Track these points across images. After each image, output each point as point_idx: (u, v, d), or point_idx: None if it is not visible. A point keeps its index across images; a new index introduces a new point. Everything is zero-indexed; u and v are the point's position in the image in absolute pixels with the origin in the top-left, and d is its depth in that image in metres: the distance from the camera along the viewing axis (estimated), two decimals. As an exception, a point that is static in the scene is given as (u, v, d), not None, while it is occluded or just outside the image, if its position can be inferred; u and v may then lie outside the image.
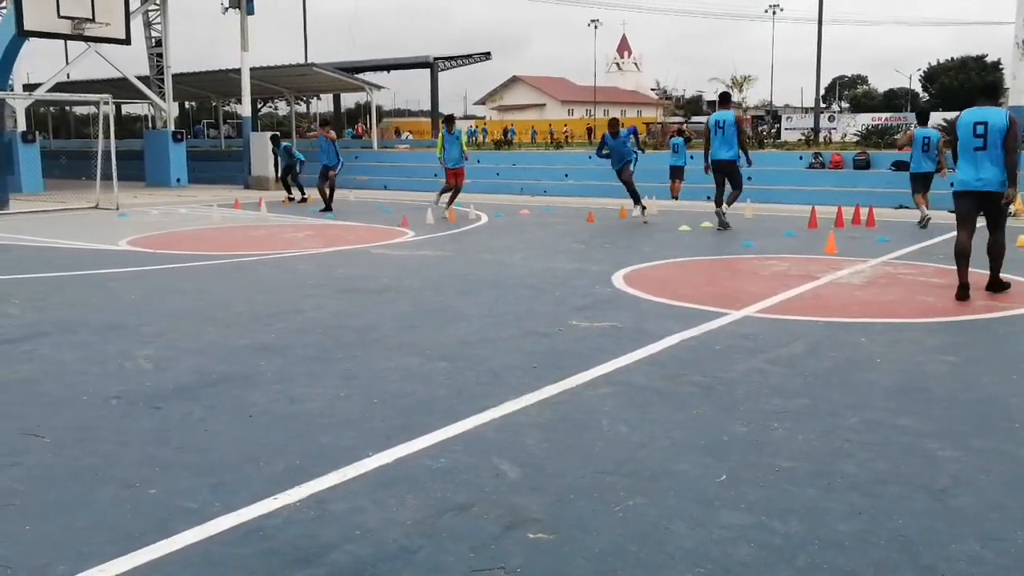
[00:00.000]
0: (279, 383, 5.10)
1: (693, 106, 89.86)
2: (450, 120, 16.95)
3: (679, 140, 19.69)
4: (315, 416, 4.51)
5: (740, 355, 5.72)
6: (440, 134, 16.72)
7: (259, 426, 4.37)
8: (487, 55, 40.39)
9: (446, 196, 16.40)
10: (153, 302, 7.71)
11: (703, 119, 58.33)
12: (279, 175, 21.58)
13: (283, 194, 20.88)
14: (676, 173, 19.39)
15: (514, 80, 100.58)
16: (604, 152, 15.93)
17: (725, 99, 14.64)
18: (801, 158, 21.45)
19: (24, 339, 6.21)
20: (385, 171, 25.74)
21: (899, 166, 18.19)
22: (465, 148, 16.68)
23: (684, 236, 12.80)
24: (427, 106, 44.55)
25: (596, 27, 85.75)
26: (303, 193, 20.29)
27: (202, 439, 4.19)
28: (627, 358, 5.64)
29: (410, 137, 46.35)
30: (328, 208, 16.96)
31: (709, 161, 13.41)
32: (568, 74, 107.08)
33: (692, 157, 18.53)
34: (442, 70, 39.44)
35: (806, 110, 69.07)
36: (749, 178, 19.19)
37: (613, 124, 15.96)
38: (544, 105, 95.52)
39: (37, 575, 2.87)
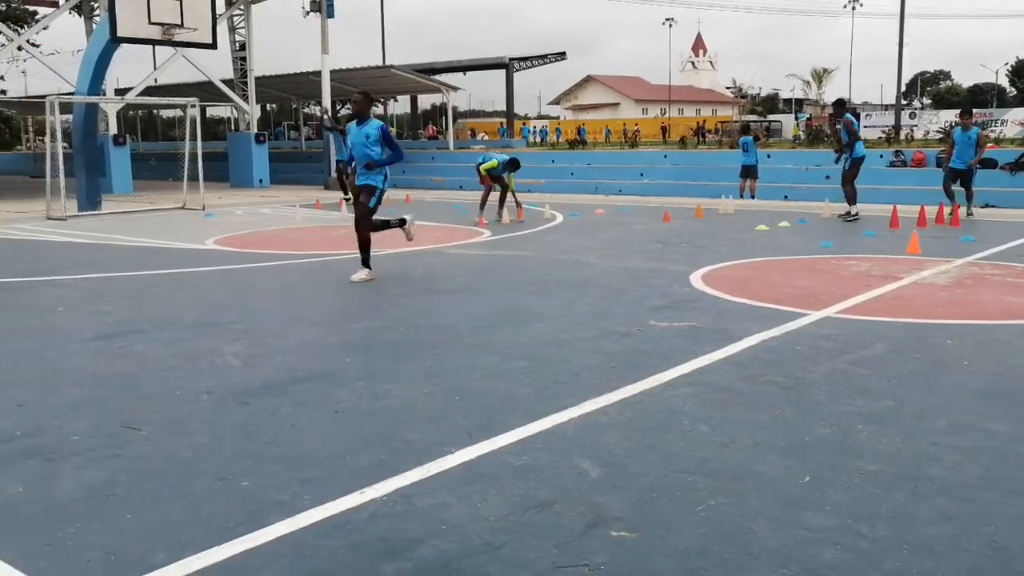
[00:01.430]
0: (363, 380, 5.22)
1: (769, 104, 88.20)
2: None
3: (748, 139, 19.44)
4: (399, 412, 4.61)
5: (822, 356, 5.63)
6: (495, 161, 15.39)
7: (345, 422, 4.49)
8: (562, 55, 40.27)
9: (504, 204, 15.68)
10: (240, 300, 7.96)
11: (779, 117, 57.24)
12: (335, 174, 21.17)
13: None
14: (748, 172, 19.16)
15: (588, 80, 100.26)
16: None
17: (840, 104, 15.07)
18: (882, 156, 20.91)
19: (119, 335, 6.49)
20: (460, 172, 25.95)
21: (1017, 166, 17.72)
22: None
23: (761, 236, 12.62)
24: (501, 106, 44.71)
25: (671, 25, 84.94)
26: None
27: (290, 434, 4.32)
28: (707, 358, 5.61)
29: (486, 138, 46.63)
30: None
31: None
32: (642, 73, 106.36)
33: (769, 156, 18.23)
34: (517, 71, 39.46)
35: (886, 107, 67.15)
36: (827, 176, 18.91)
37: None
38: (618, 104, 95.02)
39: (139, 562, 3.00)
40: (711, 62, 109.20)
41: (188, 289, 8.69)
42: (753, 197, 18.96)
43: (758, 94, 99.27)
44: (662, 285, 8.42)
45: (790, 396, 4.80)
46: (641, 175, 23.61)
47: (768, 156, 18.89)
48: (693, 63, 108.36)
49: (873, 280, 8.47)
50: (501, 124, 48.23)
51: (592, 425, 4.37)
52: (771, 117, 56.43)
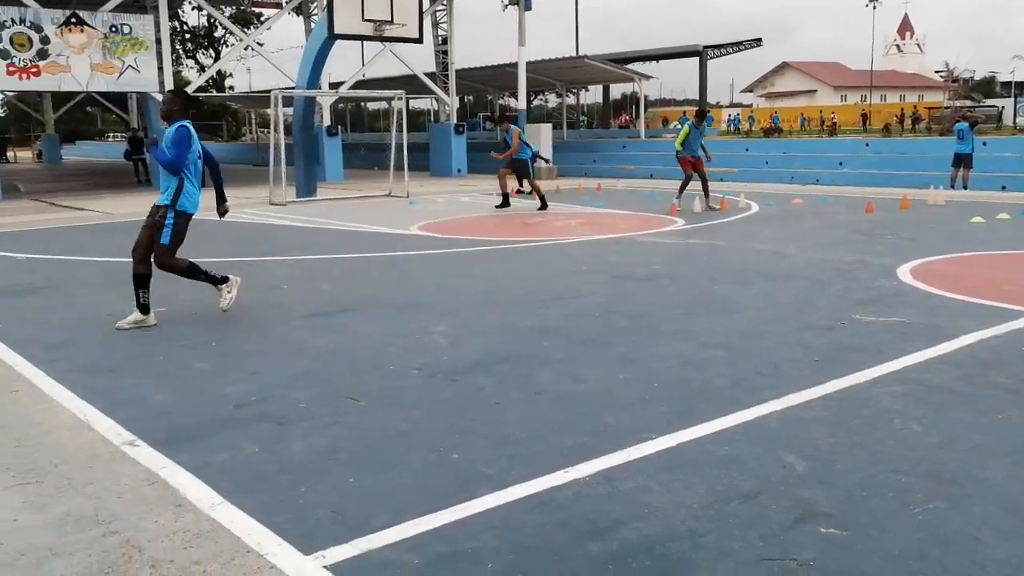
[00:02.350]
0: (562, 363, 5.34)
1: (984, 88, 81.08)
2: (701, 115, 15.87)
3: (964, 126, 18.01)
4: (597, 397, 4.69)
5: (1054, 359, 5.20)
6: (686, 127, 15.45)
7: (545, 403, 4.62)
8: (758, 41, 38.96)
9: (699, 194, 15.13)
10: (443, 283, 8.32)
11: (997, 102, 52.50)
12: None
13: (555, 183, 21.47)
14: (962, 161, 17.78)
15: (784, 66, 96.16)
16: None
17: None
18: None
19: (336, 313, 6.96)
20: (651, 160, 25.74)
21: None
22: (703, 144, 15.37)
23: (977, 229, 11.72)
24: (692, 95, 43.91)
25: (875, 7, 79.82)
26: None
27: (494, 412, 4.49)
28: (918, 356, 5.32)
29: (678, 126, 45.94)
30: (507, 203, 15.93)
31: None
32: (841, 58, 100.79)
33: (985, 144, 16.84)
34: (711, 59, 38.58)
35: None
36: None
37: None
38: (815, 91, 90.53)
39: (362, 524, 3.23)
40: (918, 45, 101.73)
41: (395, 271, 9.18)
42: (966, 187, 17.62)
43: (971, 78, 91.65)
44: (867, 278, 8.03)
45: (1016, 399, 4.48)
46: (840, 164, 22.49)
47: (984, 144, 17.44)
48: (898, 46, 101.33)
49: (1115, 278, 7.70)
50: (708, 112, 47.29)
51: (795, 419, 4.27)
52: (988, 102, 51.92)
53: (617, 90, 59.47)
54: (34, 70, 19.06)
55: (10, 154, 48.26)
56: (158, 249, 6.59)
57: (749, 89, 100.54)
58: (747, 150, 26.18)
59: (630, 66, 34.24)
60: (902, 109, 52.43)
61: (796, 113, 60.24)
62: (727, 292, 7.55)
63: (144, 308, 6.51)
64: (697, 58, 38.35)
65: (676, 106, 77.09)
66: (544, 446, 3.98)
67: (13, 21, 18.70)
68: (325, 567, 2.90)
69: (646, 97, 39.22)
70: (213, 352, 5.79)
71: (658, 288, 7.81)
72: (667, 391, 4.76)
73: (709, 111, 15.41)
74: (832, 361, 5.26)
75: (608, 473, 3.64)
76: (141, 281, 6.51)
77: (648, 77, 32.49)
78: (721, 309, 6.86)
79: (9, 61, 18.75)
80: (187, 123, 6.57)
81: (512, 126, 16.33)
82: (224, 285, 6.90)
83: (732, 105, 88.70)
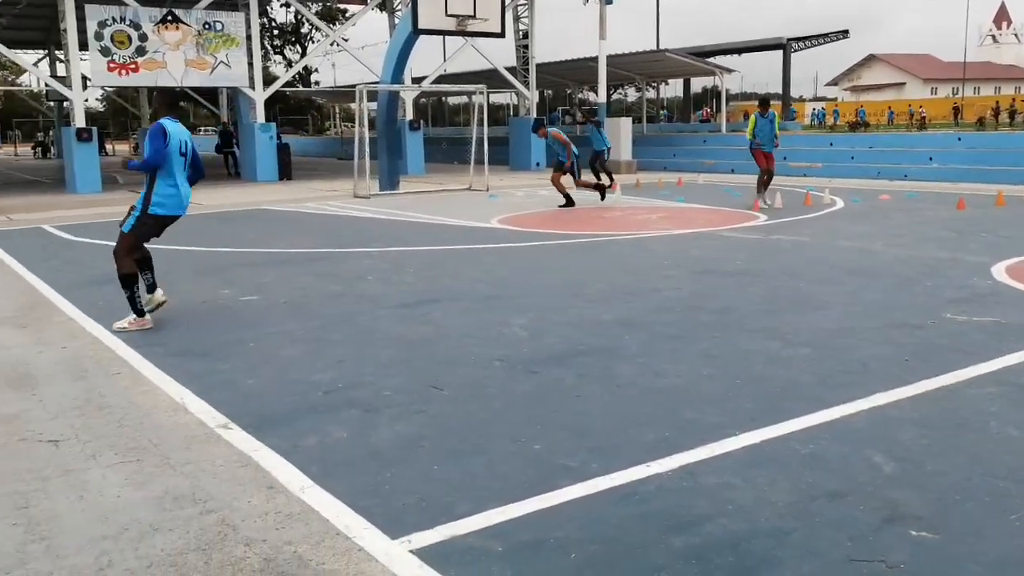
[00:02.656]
0: (643, 357, 5.33)
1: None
2: (764, 103, 15.21)
3: None
4: (680, 391, 4.67)
5: None
6: (752, 116, 15.18)
7: (627, 396, 4.62)
8: (844, 33, 37.85)
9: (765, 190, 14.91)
10: (523, 276, 8.36)
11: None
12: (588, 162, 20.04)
13: (634, 177, 21.30)
14: None
15: (870, 59, 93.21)
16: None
17: None
18: None
19: (420, 304, 7.07)
20: (732, 155, 25.31)
21: None
22: (778, 132, 14.80)
23: (1085, 226, 11.22)
24: (775, 88, 42.89)
25: (969, -4, 76.66)
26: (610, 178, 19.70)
27: (575, 404, 4.51)
28: (1015, 357, 5.15)
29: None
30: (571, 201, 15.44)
31: None
32: (932, 50, 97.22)
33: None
34: (795, 51, 37.68)
35: None
36: None
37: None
38: (903, 84, 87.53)
39: (447, 510, 3.29)
40: (1016, 35, 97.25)
41: (476, 264, 9.27)
42: None
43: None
44: (959, 276, 7.77)
45: (1122, 405, 4.29)
46: (930, 159, 21.72)
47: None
48: (994, 37, 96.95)
49: None
50: (790, 106, 46.31)
51: (884, 419, 4.17)
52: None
53: (698, 84, 58.68)
54: (132, 66, 19.83)
55: (108, 147, 50.22)
56: (120, 236, 6.35)
57: (834, 82, 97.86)
58: (831, 145, 25.50)
59: (712, 59, 33.74)
60: (997, 102, 50.32)
61: (883, 107, 58.43)
62: (812, 289, 7.41)
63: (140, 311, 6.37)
64: (781, 51, 37.54)
65: (758, 100, 75.68)
66: (625, 439, 3.98)
67: (114, 19, 19.48)
68: (411, 551, 2.97)
69: (728, 91, 38.47)
70: (301, 340, 5.95)
71: (741, 284, 7.70)
72: (751, 387, 4.71)
73: (770, 102, 15.00)
74: (922, 361, 5.12)
75: (690, 468, 3.62)
76: (130, 280, 6.31)
77: (730, 71, 31.93)
78: (806, 306, 6.74)
79: (110, 58, 19.55)
80: (166, 120, 6.29)
81: (550, 128, 16.32)
82: (131, 317, 6.38)
83: (816, 99, 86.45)
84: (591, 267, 8.90)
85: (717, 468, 3.61)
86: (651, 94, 46.16)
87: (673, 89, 54.97)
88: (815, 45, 38.68)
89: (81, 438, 4.15)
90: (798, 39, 37.65)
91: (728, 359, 5.27)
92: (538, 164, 26.09)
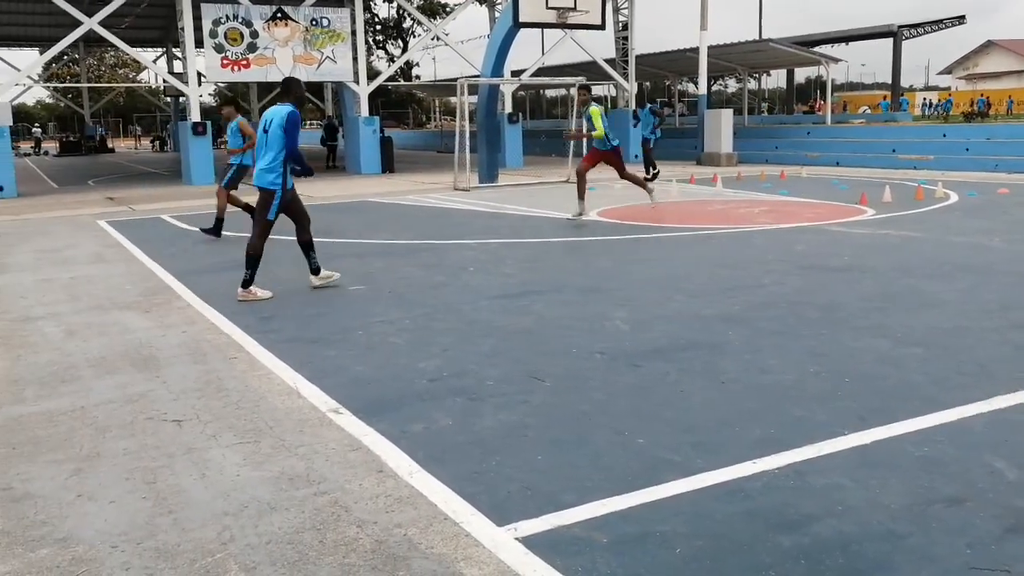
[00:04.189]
0: (747, 353, 5.26)
1: None
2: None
3: None
4: (786, 389, 4.59)
5: None
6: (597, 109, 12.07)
7: (731, 392, 4.57)
8: (960, 19, 36.14)
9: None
10: (623, 269, 8.34)
11: None
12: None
13: (735, 170, 20.95)
14: None
15: (988, 45, 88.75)
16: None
17: None
18: None
19: (521, 295, 7.13)
20: (837, 147, 24.56)
21: None
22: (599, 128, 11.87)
23: None
24: (882, 78, 41.38)
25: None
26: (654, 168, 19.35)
27: (679, 399, 4.49)
28: None
29: (867, 111, 43.59)
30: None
31: None
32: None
33: None
34: (906, 39, 36.24)
35: None
36: None
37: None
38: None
39: (551, 500, 3.33)
40: None
41: (576, 256, 9.29)
42: None
43: None
44: (1089, 276, 7.38)
45: None
46: (1056, 151, 20.60)
47: None
48: None
49: None
50: (884, 97, 44.69)
51: (1005, 423, 4.02)
52: None
53: (801, 74, 57.11)
54: (244, 63, 20.56)
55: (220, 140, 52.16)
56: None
57: (947, 70, 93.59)
58: (944, 136, 24.44)
59: (817, 49, 32.73)
60: None
61: (1003, 95, 55.65)
62: (924, 286, 7.15)
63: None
64: (891, 39, 36.20)
65: (864, 90, 72.96)
66: (730, 435, 3.95)
67: (228, 17, 20.23)
68: (517, 539, 3.02)
69: (833, 81, 37.33)
70: (407, 329, 6.09)
71: (848, 280, 7.49)
72: (860, 386, 4.59)
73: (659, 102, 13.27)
74: (1047, 363, 4.90)
75: (798, 467, 3.57)
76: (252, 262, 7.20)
77: (837, 60, 30.87)
78: (918, 303, 6.52)
79: (223, 55, 20.31)
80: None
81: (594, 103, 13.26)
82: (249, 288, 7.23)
83: (927, 88, 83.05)
84: (692, 261, 8.81)
85: (825, 468, 3.55)
86: (752, 85, 45.17)
87: (775, 80, 53.65)
88: (928, 32, 37.14)
89: (202, 418, 4.36)
90: (910, 26, 36.23)
91: (835, 357, 5.15)
92: (636, 156, 25.89)
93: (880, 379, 4.73)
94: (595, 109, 12.14)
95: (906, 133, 25.12)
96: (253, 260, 7.14)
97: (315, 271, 7.54)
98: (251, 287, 7.17)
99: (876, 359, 5.09)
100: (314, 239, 7.56)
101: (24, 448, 4.03)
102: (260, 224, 7.20)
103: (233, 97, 12.65)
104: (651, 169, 18.76)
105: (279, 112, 7.08)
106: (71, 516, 3.31)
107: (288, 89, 7.28)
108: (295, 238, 7.50)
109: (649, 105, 18.63)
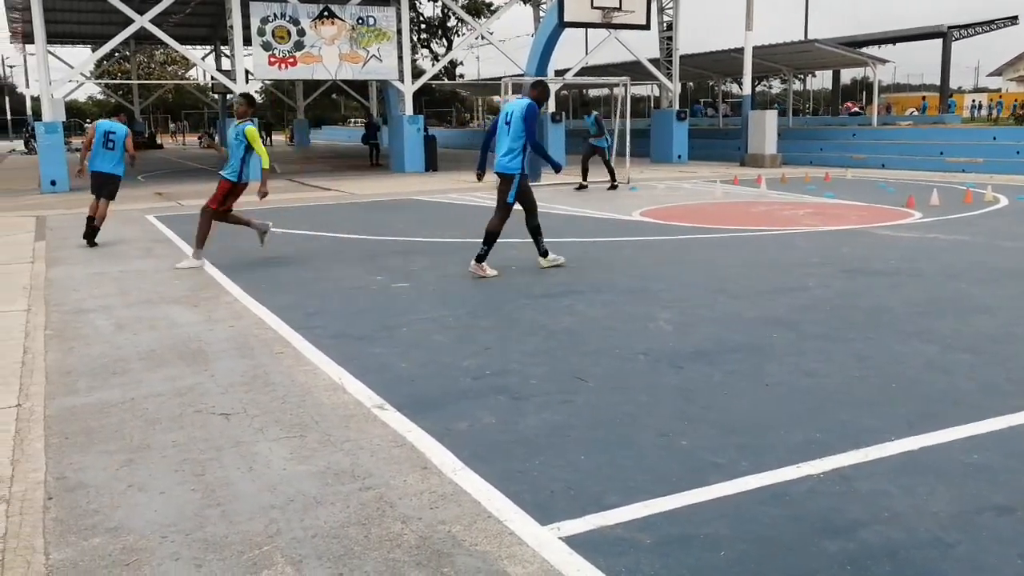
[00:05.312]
0: (792, 356, 5.21)
1: None
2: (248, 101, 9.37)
3: None
4: (831, 392, 4.55)
5: None
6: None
7: (776, 395, 4.54)
8: (1013, 19, 35.31)
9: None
10: (667, 269, 8.31)
11: None
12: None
13: (779, 171, 20.72)
14: None
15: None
16: None
17: None
18: None
19: (563, 295, 7.14)
20: (883, 149, 24.21)
21: None
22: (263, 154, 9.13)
23: None
24: (930, 79, 40.61)
25: None
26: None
27: (723, 401, 4.47)
28: None
29: (915, 113, 42.84)
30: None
31: None
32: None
33: None
34: (956, 39, 35.51)
35: None
36: None
37: None
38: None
39: (595, 500, 3.34)
40: None
41: (619, 256, 9.27)
42: None
43: None
44: None
45: None
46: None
47: None
48: None
49: None
50: (923, 99, 43.88)
51: (1057, 432, 3.94)
52: None
53: (847, 75, 56.38)
54: (291, 60, 20.80)
55: (268, 138, 52.83)
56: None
57: (998, 72, 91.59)
58: (994, 139, 23.97)
59: (864, 50, 32.24)
60: None
61: (1055, 98, 54.27)
62: (972, 291, 7.03)
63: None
64: (940, 40, 35.53)
65: (912, 91, 71.69)
66: (775, 439, 3.92)
67: (275, 16, 20.48)
68: (561, 538, 3.03)
69: (880, 82, 36.72)
70: (449, 327, 6.13)
71: (895, 284, 7.39)
72: (907, 391, 4.54)
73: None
74: (1101, 372, 4.80)
75: (844, 472, 3.54)
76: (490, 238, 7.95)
77: (884, 61, 30.37)
78: (966, 309, 6.41)
79: (271, 52, 20.57)
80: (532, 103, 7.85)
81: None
82: (480, 263, 7.89)
83: (976, 90, 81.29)
84: (736, 263, 8.74)
85: (872, 473, 3.51)
86: (797, 86, 44.63)
87: (820, 80, 52.94)
88: (979, 33, 36.39)
89: (249, 412, 4.43)
90: (960, 27, 35.52)
91: (882, 361, 5.09)
92: (680, 156, 25.76)
93: (928, 384, 4.67)
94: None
95: (954, 135, 24.67)
96: (491, 236, 7.92)
97: (543, 254, 8.29)
98: (483, 263, 7.87)
99: (924, 364, 5.03)
100: (363, 236, 7.64)
101: (77, 438, 4.13)
102: (502, 208, 7.95)
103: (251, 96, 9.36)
104: (614, 178, 17.73)
105: (520, 105, 7.81)
106: (122, 506, 3.39)
107: (534, 86, 8.05)
108: (347, 236, 7.58)
109: (594, 112, 18.20)
